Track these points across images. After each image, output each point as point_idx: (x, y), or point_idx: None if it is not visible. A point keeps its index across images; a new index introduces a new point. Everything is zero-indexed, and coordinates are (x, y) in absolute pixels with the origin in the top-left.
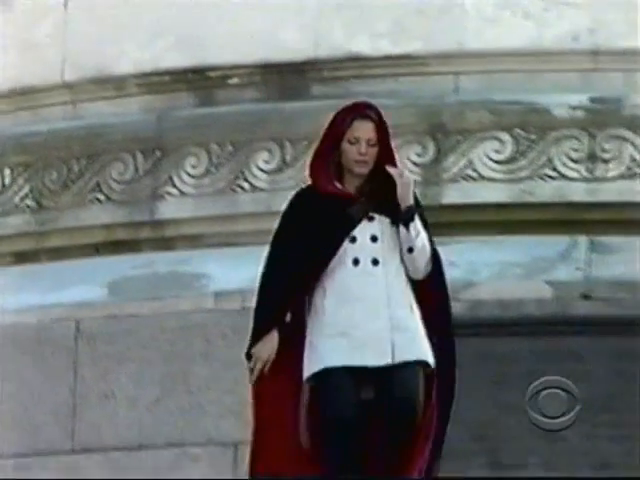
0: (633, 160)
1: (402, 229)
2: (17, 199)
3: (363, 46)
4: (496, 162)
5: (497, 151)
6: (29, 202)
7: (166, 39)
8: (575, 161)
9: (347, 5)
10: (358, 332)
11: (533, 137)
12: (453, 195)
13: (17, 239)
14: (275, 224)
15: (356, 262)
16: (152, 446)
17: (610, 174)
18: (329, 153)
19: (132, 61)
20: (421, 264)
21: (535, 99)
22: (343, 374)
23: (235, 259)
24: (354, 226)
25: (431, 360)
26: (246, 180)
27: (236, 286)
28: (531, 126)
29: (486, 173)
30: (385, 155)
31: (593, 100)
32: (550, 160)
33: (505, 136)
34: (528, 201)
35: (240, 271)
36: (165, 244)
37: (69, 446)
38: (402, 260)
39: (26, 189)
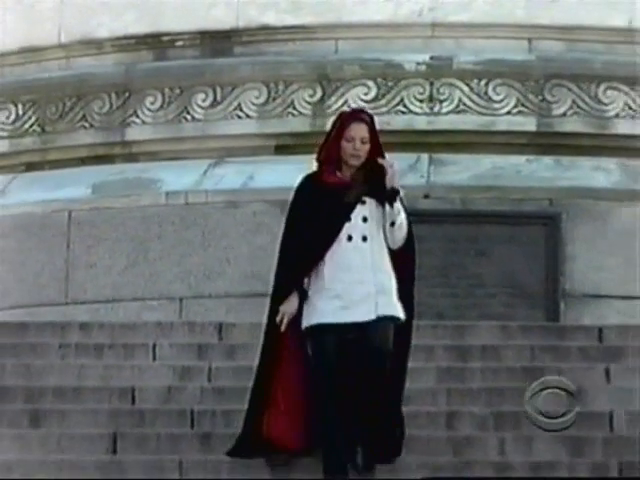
0: (460, 100)
1: (387, 207)
2: (27, 126)
3: (271, 19)
4: (364, 101)
5: (365, 94)
6: (35, 128)
7: (133, 13)
8: (420, 101)
9: None
10: (350, 295)
11: (390, 84)
12: None
13: (27, 154)
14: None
15: (350, 238)
16: (122, 300)
17: (444, 110)
18: (332, 147)
19: (108, 29)
20: (399, 237)
21: (392, 57)
22: (331, 329)
23: (181, 169)
24: (351, 210)
25: (402, 316)
26: (189, 113)
27: (181, 188)
28: (389, 76)
29: None
30: (375, 150)
31: (432, 58)
32: (402, 100)
33: (371, 83)
34: (387, 129)
35: (184, 177)
36: (132, 158)
37: (63, 300)
38: (384, 234)
39: (33, 119)
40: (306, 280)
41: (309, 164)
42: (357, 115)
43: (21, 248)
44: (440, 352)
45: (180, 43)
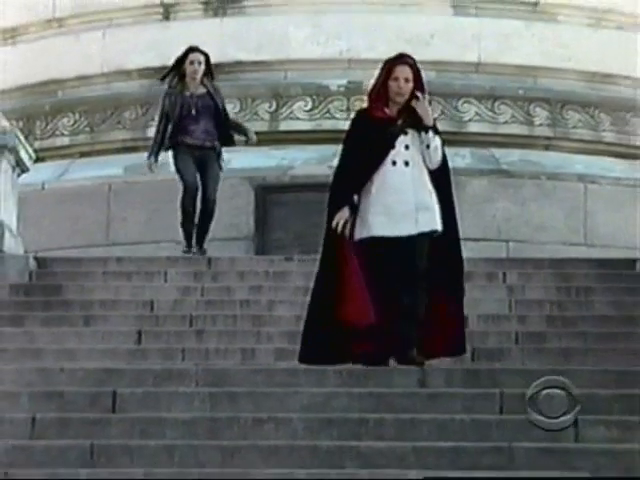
0: None
1: (423, 133)
2: (81, 127)
3: (243, 56)
4: (304, 111)
5: (305, 106)
6: (86, 129)
7: (151, 52)
8: (341, 111)
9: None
10: (394, 212)
11: (321, 99)
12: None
13: (81, 146)
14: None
15: (394, 163)
16: (144, 242)
17: None
18: (380, 87)
19: (135, 63)
20: (435, 158)
21: (322, 81)
22: (379, 241)
23: None
24: (395, 139)
25: (439, 227)
26: None
27: None
28: (320, 94)
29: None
30: (418, 88)
31: (349, 82)
32: (329, 110)
33: (308, 99)
34: (319, 129)
35: None
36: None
37: (105, 242)
38: (423, 158)
39: (85, 123)
40: (357, 197)
41: (267, 153)
42: (401, 59)
43: (78, 208)
44: None
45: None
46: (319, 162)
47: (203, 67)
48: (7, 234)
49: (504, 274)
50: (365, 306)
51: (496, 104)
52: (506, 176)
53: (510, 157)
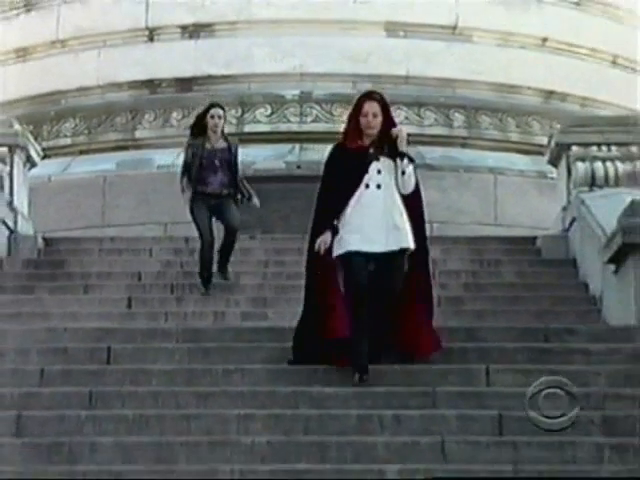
0: (316, 115)
1: (398, 160)
2: (80, 129)
3: (213, 71)
4: (265, 116)
5: (265, 111)
6: (85, 131)
7: (138, 68)
8: (295, 115)
9: None
10: (366, 231)
11: (278, 106)
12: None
13: (80, 145)
14: None
15: (367, 186)
16: (133, 224)
17: (308, 121)
18: (353, 122)
19: (125, 77)
20: (409, 184)
21: (279, 92)
22: (358, 254)
23: (165, 154)
24: (369, 165)
25: (412, 246)
26: (168, 122)
27: (165, 163)
28: (277, 102)
29: None
30: (387, 121)
31: (301, 92)
32: (285, 115)
33: (268, 106)
34: (277, 130)
35: (167, 158)
36: (138, 147)
37: (101, 224)
38: (396, 183)
39: (84, 126)
40: (337, 221)
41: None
42: (369, 95)
43: (78, 196)
44: None
45: (164, 84)
46: (276, 158)
47: (223, 121)
48: (20, 218)
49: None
50: (342, 320)
51: (422, 110)
52: (430, 169)
53: (433, 154)
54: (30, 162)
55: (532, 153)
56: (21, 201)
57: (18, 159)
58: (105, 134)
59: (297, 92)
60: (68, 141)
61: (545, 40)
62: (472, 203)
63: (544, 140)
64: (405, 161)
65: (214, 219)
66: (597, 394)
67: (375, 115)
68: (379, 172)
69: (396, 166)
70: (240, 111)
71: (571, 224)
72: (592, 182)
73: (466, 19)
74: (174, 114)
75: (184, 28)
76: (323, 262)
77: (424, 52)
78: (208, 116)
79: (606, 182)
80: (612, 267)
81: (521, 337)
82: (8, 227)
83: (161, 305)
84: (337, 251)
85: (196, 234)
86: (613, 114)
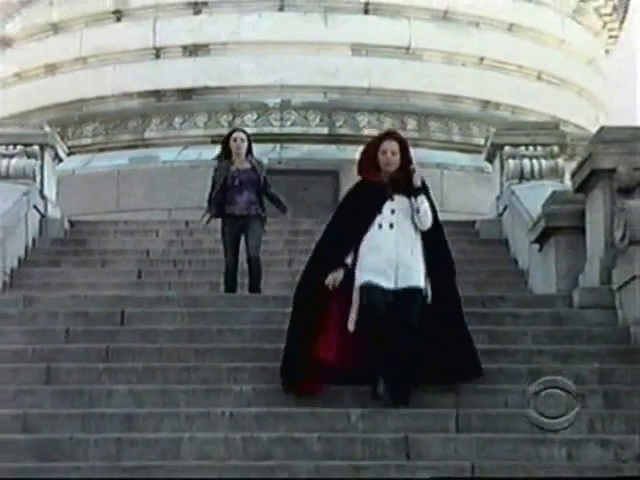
0: (295, 120)
1: (413, 199)
2: (99, 131)
3: (209, 83)
4: (252, 121)
5: (252, 117)
6: (102, 132)
7: (146, 80)
8: (276, 120)
9: None
10: (378, 269)
11: (262, 113)
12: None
13: (98, 144)
14: None
15: (380, 226)
16: (143, 209)
17: (288, 124)
18: (370, 159)
19: (136, 87)
20: (425, 221)
21: (263, 100)
22: (376, 287)
23: (169, 151)
24: (382, 205)
25: (422, 285)
26: (171, 125)
27: (169, 159)
28: (262, 109)
29: None
30: (405, 159)
31: (282, 101)
32: (269, 120)
33: (254, 112)
34: (262, 132)
35: (171, 155)
36: (146, 146)
37: (115, 209)
38: (412, 220)
39: (102, 129)
40: (350, 257)
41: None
42: (389, 135)
43: (97, 186)
44: None
45: (168, 94)
46: (261, 155)
47: (246, 144)
48: (49, 205)
49: None
50: (345, 352)
51: (381, 116)
52: None
53: None
54: (58, 158)
55: (472, 152)
56: (50, 190)
57: (48, 156)
58: (119, 135)
59: (278, 101)
60: (89, 141)
61: (482, 59)
62: None
63: (482, 141)
64: (419, 199)
65: (242, 238)
66: (524, 351)
67: (394, 153)
68: (392, 212)
69: (411, 204)
70: (231, 117)
71: (504, 210)
72: (521, 176)
73: (418, 41)
74: (176, 119)
75: (185, 48)
76: (326, 290)
77: (383, 68)
78: (231, 140)
79: (532, 176)
80: (537, 246)
81: (463, 304)
82: (39, 212)
83: (166, 276)
84: (358, 282)
85: (197, 222)
86: (538, 120)
